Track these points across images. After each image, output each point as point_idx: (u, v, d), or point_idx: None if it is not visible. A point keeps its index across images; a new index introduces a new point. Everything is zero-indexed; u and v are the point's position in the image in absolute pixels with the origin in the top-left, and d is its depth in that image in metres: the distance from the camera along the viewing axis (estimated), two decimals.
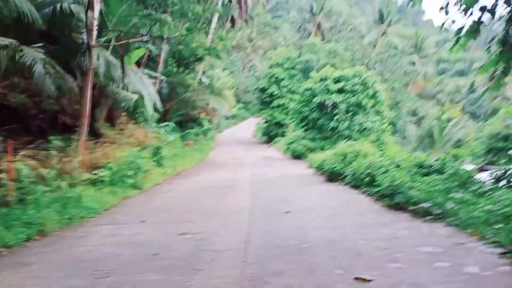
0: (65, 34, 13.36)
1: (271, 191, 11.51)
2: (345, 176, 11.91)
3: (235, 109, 51.25)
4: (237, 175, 16.24)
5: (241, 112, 57.70)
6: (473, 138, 38.61)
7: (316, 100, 22.06)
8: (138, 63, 19.69)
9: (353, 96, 21.42)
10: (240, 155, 26.34)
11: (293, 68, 36.87)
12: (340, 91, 21.69)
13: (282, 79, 36.16)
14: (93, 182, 11.31)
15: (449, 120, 45.67)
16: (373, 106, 21.92)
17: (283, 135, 32.31)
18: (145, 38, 14.51)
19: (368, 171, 10.44)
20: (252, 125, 48.95)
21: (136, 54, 18.20)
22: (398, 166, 10.12)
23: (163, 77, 22.25)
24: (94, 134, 14.96)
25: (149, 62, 23.07)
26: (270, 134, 36.83)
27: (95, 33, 12.54)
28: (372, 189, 9.58)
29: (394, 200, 8.05)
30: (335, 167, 12.88)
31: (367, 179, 10.26)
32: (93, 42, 12.43)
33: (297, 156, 22.77)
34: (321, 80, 22.42)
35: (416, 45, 62.19)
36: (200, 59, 25.25)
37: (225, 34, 30.24)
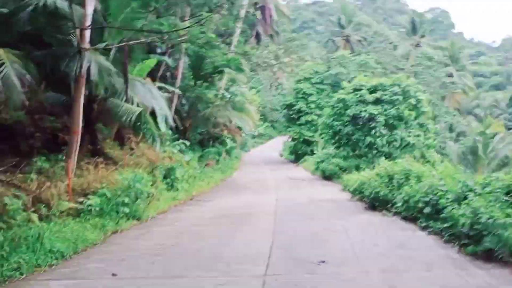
0: (57, 38, 11.54)
1: (298, 223, 9.02)
2: (394, 204, 9.31)
3: (262, 128, 49.30)
4: (259, 200, 13.85)
5: (269, 131, 55.81)
6: None
7: (349, 112, 19.43)
8: (153, 77, 17.78)
9: (392, 107, 18.67)
10: (264, 176, 24.00)
11: (321, 82, 34.57)
12: (377, 101, 19.03)
13: (310, 95, 33.93)
14: (79, 213, 9.17)
15: (493, 136, 42.12)
16: (415, 118, 19.11)
17: (312, 153, 29.79)
18: (149, 40, 12.55)
19: (428, 198, 7.84)
20: (279, 143, 46.78)
21: (148, 65, 16.36)
22: (471, 190, 7.43)
23: (178, 91, 20.15)
24: (97, 154, 13.04)
25: (166, 76, 21.32)
26: (298, 152, 34.46)
27: (88, 34, 10.58)
28: (437, 225, 7.00)
29: (482, 245, 5.45)
30: (379, 191, 10.25)
31: (427, 209, 7.67)
32: (86, 45, 10.46)
33: (328, 176, 20.23)
34: (355, 90, 19.83)
35: (452, 56, 58.55)
36: (220, 72, 23.19)
37: (249, 48, 28.34)
